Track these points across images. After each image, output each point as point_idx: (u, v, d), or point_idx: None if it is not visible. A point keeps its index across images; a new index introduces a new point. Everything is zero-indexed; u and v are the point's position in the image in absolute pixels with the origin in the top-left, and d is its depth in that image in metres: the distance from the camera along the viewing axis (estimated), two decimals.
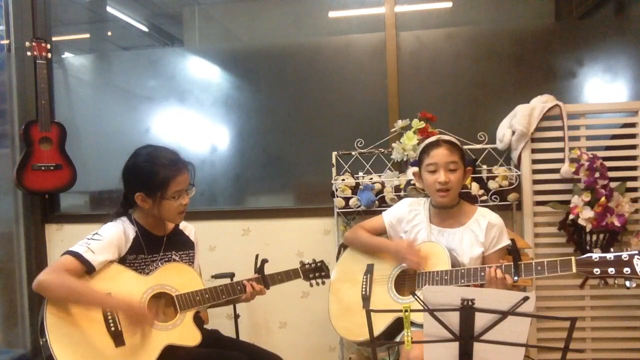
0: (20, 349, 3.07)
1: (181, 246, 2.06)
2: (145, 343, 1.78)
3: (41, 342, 1.70)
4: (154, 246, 1.96)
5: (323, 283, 2.29)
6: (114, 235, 1.86)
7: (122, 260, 1.88)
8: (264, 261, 2.14)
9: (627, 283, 1.70)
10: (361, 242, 2.19)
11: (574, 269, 1.75)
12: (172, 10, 3.47)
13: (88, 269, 1.78)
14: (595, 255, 1.73)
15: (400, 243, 2.07)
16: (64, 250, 1.80)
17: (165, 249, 1.99)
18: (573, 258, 1.76)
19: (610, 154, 2.58)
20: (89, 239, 1.83)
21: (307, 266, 2.27)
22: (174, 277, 1.93)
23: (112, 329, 1.75)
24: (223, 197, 3.16)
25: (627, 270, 1.68)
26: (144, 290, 1.86)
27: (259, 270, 2.12)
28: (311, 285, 2.28)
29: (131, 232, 1.92)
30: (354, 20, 3.09)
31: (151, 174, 1.86)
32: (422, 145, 2.10)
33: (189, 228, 2.13)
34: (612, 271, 1.70)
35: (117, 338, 1.75)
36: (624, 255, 1.69)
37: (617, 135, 2.65)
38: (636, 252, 1.70)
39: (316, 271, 2.29)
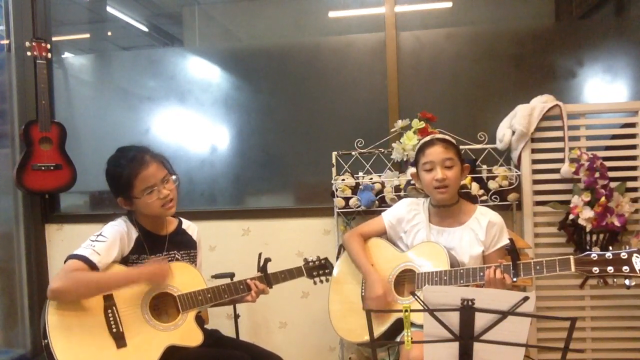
0: (20, 349, 3.07)
1: (183, 246, 2.06)
2: (147, 344, 1.79)
3: (43, 344, 1.71)
4: (156, 246, 1.97)
5: (327, 280, 2.28)
6: (117, 235, 1.86)
7: (124, 261, 1.89)
8: (267, 260, 2.13)
9: (627, 282, 1.69)
10: (350, 254, 2.18)
11: (573, 268, 1.75)
12: (172, 10, 3.47)
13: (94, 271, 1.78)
14: (594, 253, 1.73)
15: (375, 288, 1.99)
16: (69, 254, 1.80)
17: (168, 249, 2.00)
18: (572, 257, 1.76)
19: (610, 154, 2.58)
20: (92, 240, 1.83)
21: (310, 264, 2.27)
22: (176, 277, 1.93)
23: (114, 330, 1.76)
24: (223, 197, 3.16)
25: (626, 268, 1.68)
26: (146, 290, 1.86)
27: (262, 268, 2.11)
28: (315, 283, 2.28)
29: (133, 232, 1.93)
30: (354, 20, 3.09)
31: (116, 177, 1.87)
32: (418, 145, 2.11)
33: (192, 227, 2.13)
34: (611, 270, 1.70)
35: (119, 339, 1.76)
36: (623, 253, 1.69)
37: (617, 135, 2.65)
38: (635, 250, 1.69)
39: (320, 269, 2.28)
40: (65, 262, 1.78)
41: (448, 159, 2.00)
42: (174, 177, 1.95)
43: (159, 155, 1.94)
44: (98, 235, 1.85)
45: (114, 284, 1.78)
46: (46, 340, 1.69)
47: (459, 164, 2.03)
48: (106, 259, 1.80)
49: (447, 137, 2.09)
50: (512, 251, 1.85)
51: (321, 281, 2.29)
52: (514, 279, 1.82)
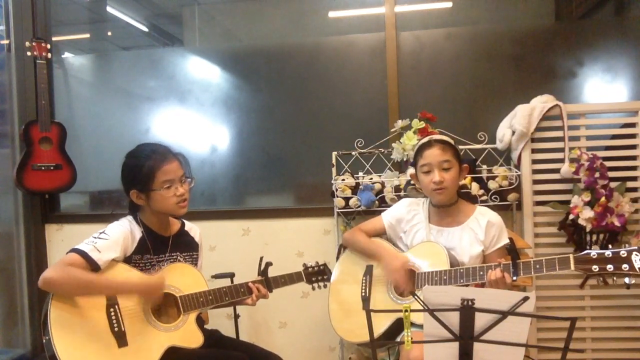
0: (20, 349, 3.07)
1: (186, 247, 2.06)
2: (148, 344, 1.79)
3: (44, 340, 1.71)
4: (159, 247, 1.97)
5: (325, 287, 2.28)
6: (120, 234, 1.86)
7: (127, 260, 1.89)
8: (268, 264, 2.13)
9: (626, 280, 1.69)
10: (358, 246, 2.19)
11: (572, 267, 1.75)
12: (172, 10, 3.47)
13: (93, 268, 1.78)
14: (594, 252, 1.73)
15: (394, 262, 2.03)
16: (70, 248, 1.80)
17: (171, 250, 2.00)
18: (571, 255, 1.76)
19: (610, 154, 2.58)
20: (95, 237, 1.83)
21: (310, 269, 2.26)
22: (178, 278, 1.93)
23: (116, 329, 1.76)
24: (223, 197, 3.16)
25: (625, 266, 1.68)
26: None
27: (263, 272, 2.12)
28: (313, 288, 2.28)
29: (137, 232, 1.93)
30: (354, 20, 3.09)
31: (137, 168, 1.88)
32: (416, 146, 2.11)
33: (194, 229, 2.13)
34: (610, 268, 1.69)
35: (120, 339, 1.76)
36: (622, 251, 1.69)
37: (617, 135, 2.65)
38: (635, 248, 1.69)
39: (319, 274, 2.28)
40: (66, 254, 1.78)
41: (445, 160, 2.00)
42: (189, 179, 1.96)
43: (180, 155, 1.96)
44: (101, 233, 1.85)
45: (104, 290, 1.77)
46: (47, 337, 1.69)
47: (456, 165, 2.03)
48: (106, 257, 1.80)
49: (444, 138, 2.08)
50: (512, 250, 1.86)
51: (319, 287, 2.28)
52: (514, 278, 1.82)
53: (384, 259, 2.07)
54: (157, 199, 1.89)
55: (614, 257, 1.70)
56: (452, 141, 2.07)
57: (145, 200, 1.90)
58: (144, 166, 1.86)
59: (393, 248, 2.15)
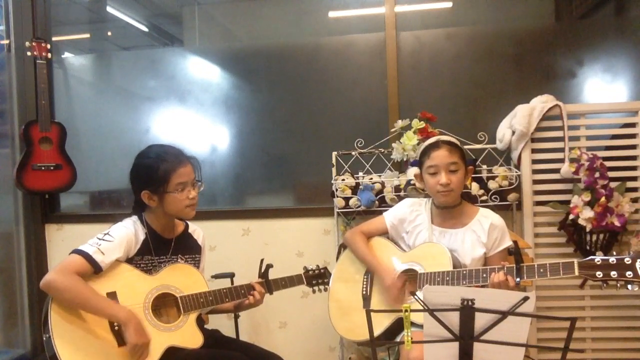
0: (20, 349, 3.07)
1: (188, 250, 2.06)
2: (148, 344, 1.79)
3: (44, 338, 1.71)
4: (162, 248, 1.97)
5: (325, 290, 2.28)
6: (124, 236, 1.87)
7: (128, 261, 1.89)
8: (269, 266, 2.13)
9: (629, 286, 1.69)
10: (355, 251, 2.19)
11: (577, 272, 1.74)
12: (172, 10, 3.47)
13: (96, 270, 1.79)
14: (598, 258, 1.72)
15: (385, 279, 2.03)
16: (73, 248, 1.80)
17: (173, 252, 2.00)
18: (575, 261, 1.75)
19: (610, 154, 2.58)
20: (99, 238, 1.83)
21: (310, 272, 2.26)
22: (179, 278, 1.93)
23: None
24: (223, 197, 3.16)
25: (629, 273, 1.67)
26: (148, 290, 1.87)
27: (263, 274, 2.12)
28: (314, 291, 2.28)
29: (141, 234, 1.93)
30: (354, 20, 3.09)
31: (152, 169, 1.87)
32: (422, 147, 2.10)
33: (197, 231, 2.13)
34: (614, 274, 1.69)
35: (120, 337, 1.76)
36: (627, 258, 1.69)
37: (617, 135, 2.65)
38: (639, 255, 1.69)
39: (319, 277, 2.28)
40: (69, 254, 1.78)
41: (453, 162, 1.98)
42: (199, 183, 1.97)
43: (192, 158, 1.97)
44: (105, 234, 1.85)
45: (97, 311, 1.75)
46: (47, 335, 1.69)
47: (463, 167, 2.02)
48: (109, 259, 1.81)
49: (452, 139, 2.07)
50: (516, 253, 1.85)
51: (320, 290, 2.29)
52: (517, 280, 1.82)
53: (377, 273, 2.08)
54: (170, 201, 1.89)
55: (618, 263, 1.69)
56: (458, 143, 2.06)
57: (158, 202, 1.90)
58: (159, 168, 1.86)
59: (393, 248, 2.15)
